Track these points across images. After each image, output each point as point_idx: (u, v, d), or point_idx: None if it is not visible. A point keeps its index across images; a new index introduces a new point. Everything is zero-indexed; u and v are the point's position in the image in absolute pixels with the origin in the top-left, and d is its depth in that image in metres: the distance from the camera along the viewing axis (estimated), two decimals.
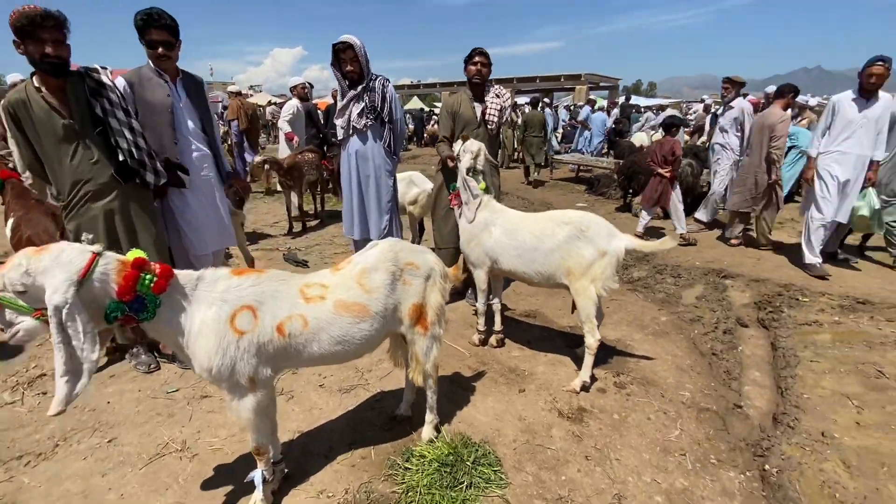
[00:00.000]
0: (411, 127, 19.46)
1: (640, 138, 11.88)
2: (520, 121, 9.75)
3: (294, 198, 6.01)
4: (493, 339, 3.05)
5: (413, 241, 4.92)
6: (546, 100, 11.75)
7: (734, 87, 5.66)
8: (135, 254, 1.45)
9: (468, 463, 1.95)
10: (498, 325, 3.01)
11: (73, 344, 1.30)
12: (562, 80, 20.88)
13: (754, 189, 4.97)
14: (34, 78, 2.19)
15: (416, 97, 29.44)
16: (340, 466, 2.01)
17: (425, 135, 18.91)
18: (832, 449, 2.13)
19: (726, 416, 2.39)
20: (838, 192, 4.17)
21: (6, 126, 2.23)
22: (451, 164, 3.14)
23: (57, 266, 1.30)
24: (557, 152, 11.90)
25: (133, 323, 1.45)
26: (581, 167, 10.07)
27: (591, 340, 2.46)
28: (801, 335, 3.26)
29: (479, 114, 3.34)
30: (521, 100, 16.53)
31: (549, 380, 2.69)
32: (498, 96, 3.34)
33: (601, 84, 23.92)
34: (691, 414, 2.41)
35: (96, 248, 1.39)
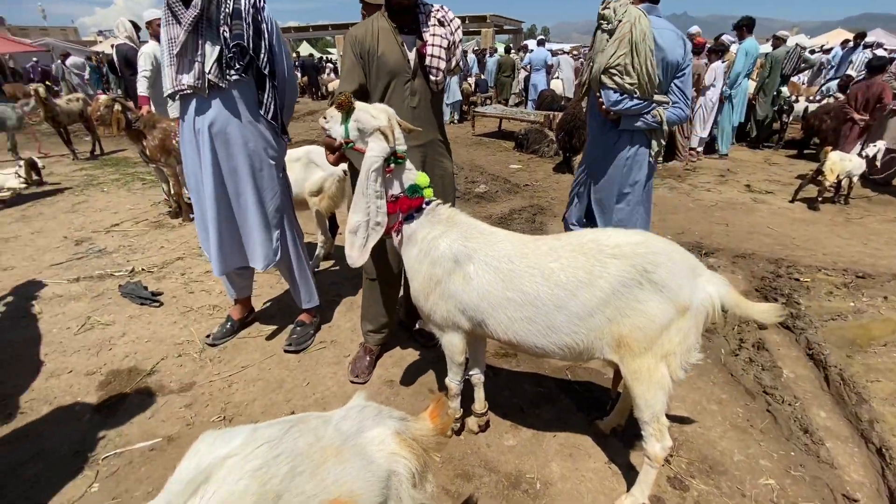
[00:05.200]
0: (301, 77, 16.75)
1: (557, 86, 11.11)
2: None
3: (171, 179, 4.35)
4: (472, 424, 1.95)
5: (319, 253, 3.53)
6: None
7: None
8: None
9: None
10: (480, 405, 1.90)
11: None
12: (466, 21, 19.43)
13: None
14: None
15: (305, 42, 25.84)
16: None
17: (322, 86, 16.37)
18: None
19: None
20: None
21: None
22: (330, 158, 1.69)
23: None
24: (474, 103, 10.75)
25: None
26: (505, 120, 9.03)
27: (657, 448, 1.46)
28: (832, 336, 2.64)
29: (411, 56, 1.99)
30: None
31: (575, 496, 1.68)
32: (442, 24, 2.00)
33: (505, 27, 22.77)
34: None
35: None
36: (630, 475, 1.73)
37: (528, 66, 10.46)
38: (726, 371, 2.37)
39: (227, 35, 2.00)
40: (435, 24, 1.97)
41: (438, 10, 2.00)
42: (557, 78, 11.08)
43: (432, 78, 1.99)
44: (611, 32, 2.06)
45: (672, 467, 1.80)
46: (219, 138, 2.14)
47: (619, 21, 2.02)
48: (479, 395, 1.89)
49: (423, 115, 2.02)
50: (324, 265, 3.58)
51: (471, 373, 1.85)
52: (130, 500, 1.69)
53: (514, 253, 1.46)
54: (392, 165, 1.52)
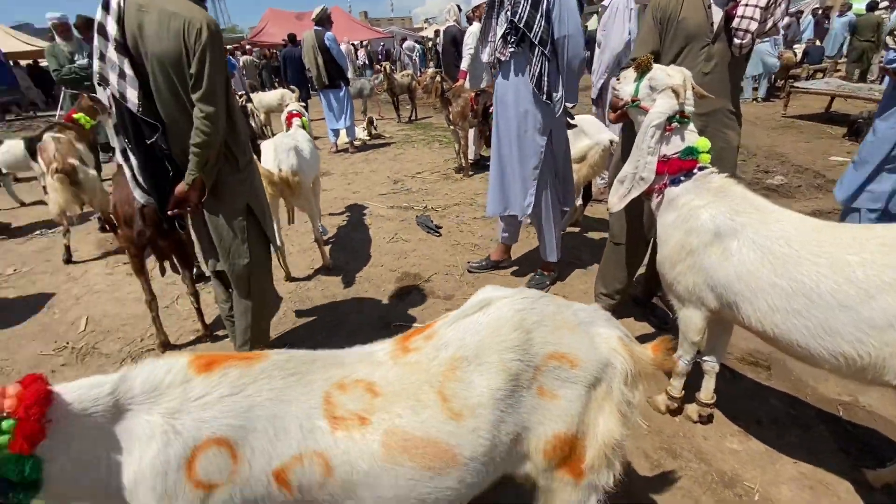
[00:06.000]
0: None
1: None
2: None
3: (469, 138, 5.29)
4: (692, 412, 1.86)
5: (568, 218, 3.69)
6: None
7: None
8: None
9: None
10: (707, 396, 1.79)
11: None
12: None
13: None
14: None
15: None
16: None
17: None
18: None
19: None
20: None
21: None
22: (612, 116, 1.87)
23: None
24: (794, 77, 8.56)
25: None
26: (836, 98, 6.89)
27: None
28: None
29: (715, 19, 1.86)
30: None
31: None
32: None
33: None
34: None
35: None
36: None
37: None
38: None
39: (508, 13, 2.33)
40: None
41: None
42: None
43: (736, 41, 1.84)
44: None
45: None
46: (500, 102, 2.59)
47: None
48: (709, 384, 1.77)
49: (715, 81, 1.90)
50: (570, 230, 3.78)
51: (705, 358, 1.75)
52: None
53: (795, 236, 1.30)
54: (674, 124, 1.55)
